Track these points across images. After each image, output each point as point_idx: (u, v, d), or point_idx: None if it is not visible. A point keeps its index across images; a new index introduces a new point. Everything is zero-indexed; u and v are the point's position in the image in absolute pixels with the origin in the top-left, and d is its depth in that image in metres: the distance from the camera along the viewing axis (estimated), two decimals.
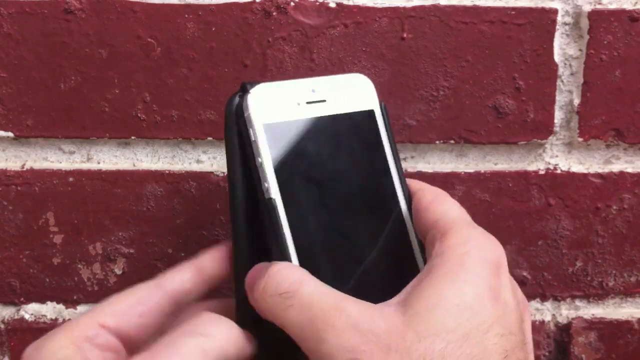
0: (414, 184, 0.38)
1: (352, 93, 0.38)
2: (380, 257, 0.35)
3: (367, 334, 0.29)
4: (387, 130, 0.38)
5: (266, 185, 0.34)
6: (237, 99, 0.35)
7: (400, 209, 0.37)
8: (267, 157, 0.34)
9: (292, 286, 0.31)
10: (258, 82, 0.35)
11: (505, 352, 0.30)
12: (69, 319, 0.33)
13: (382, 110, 0.38)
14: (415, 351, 0.28)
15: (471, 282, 0.31)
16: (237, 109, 0.35)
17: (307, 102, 0.36)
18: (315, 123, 0.36)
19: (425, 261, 0.35)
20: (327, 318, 0.30)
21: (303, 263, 0.33)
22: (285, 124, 0.35)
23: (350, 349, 0.29)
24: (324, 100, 0.36)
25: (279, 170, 0.34)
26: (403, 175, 0.38)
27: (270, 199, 0.34)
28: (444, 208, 0.35)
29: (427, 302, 0.30)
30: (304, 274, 0.32)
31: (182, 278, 0.36)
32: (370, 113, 0.38)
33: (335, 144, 0.36)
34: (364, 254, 0.35)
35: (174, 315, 0.35)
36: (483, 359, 0.29)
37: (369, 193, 0.37)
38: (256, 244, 0.36)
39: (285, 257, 0.33)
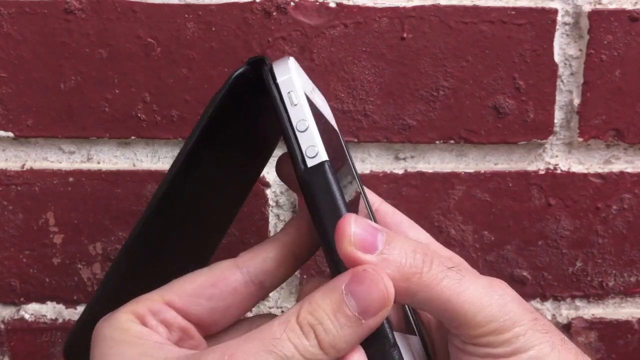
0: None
1: (324, 102, 0.37)
2: None
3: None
4: (344, 142, 0.37)
5: (316, 150, 0.30)
6: (264, 67, 0.32)
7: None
8: (313, 121, 0.31)
9: (453, 259, 0.30)
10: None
11: None
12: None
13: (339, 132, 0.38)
14: None
15: None
16: (272, 74, 0.32)
17: (311, 92, 0.34)
18: (320, 114, 0.34)
19: None
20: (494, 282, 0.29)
21: None
22: (310, 102, 0.33)
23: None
24: (318, 99, 0.35)
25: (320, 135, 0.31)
26: (360, 179, 0.37)
27: (325, 161, 0.30)
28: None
29: None
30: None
31: (263, 256, 0.32)
32: (334, 129, 0.37)
33: (331, 139, 0.34)
34: None
35: (257, 297, 0.33)
36: None
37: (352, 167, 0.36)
38: None
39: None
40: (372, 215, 0.36)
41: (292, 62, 0.32)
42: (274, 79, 0.32)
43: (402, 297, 0.28)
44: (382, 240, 0.28)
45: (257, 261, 0.32)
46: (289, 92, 0.31)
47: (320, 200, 0.30)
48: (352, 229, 0.27)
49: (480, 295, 0.28)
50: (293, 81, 0.31)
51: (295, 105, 0.31)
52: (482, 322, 0.28)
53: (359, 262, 0.27)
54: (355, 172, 0.37)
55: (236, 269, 0.32)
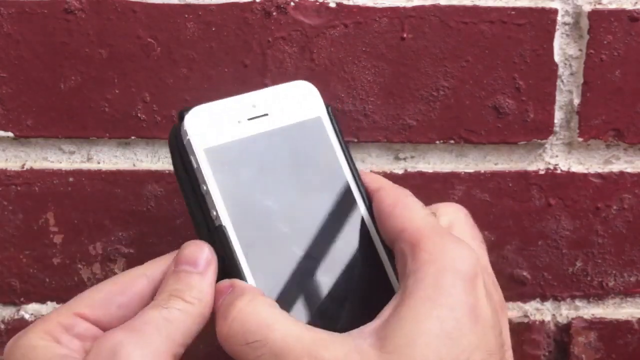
0: (372, 182, 0.36)
1: (295, 102, 0.36)
2: (347, 275, 0.34)
3: None
4: (337, 134, 0.36)
5: (214, 212, 0.32)
6: (179, 125, 0.34)
7: (362, 219, 0.35)
8: (213, 184, 0.32)
9: (259, 332, 0.29)
10: (193, 106, 0.34)
11: None
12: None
13: (329, 115, 0.37)
14: None
15: (450, 305, 0.29)
16: (177, 137, 0.34)
17: (249, 119, 0.35)
18: (260, 140, 0.34)
19: (395, 273, 0.33)
20: None
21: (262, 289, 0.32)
22: (227, 146, 0.33)
23: None
24: (265, 114, 0.35)
25: (227, 195, 0.32)
26: (360, 179, 0.36)
27: (220, 225, 0.32)
28: (408, 214, 0.33)
29: (406, 335, 0.28)
30: (270, 313, 0.30)
31: (166, 262, 0.34)
32: (317, 120, 0.36)
33: (284, 158, 0.35)
34: (329, 273, 0.34)
35: None
36: None
37: (327, 205, 0.35)
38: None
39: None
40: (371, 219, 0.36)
41: (190, 118, 0.33)
42: (181, 140, 0.33)
43: None
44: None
45: (160, 265, 0.34)
46: (189, 156, 0.33)
47: (221, 253, 0.32)
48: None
49: None
50: (190, 144, 0.33)
51: (196, 168, 0.33)
52: None
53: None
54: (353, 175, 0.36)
55: (142, 276, 0.33)
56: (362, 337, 0.29)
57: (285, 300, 0.32)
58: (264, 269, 0.32)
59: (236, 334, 0.29)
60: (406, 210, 0.33)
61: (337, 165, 0.36)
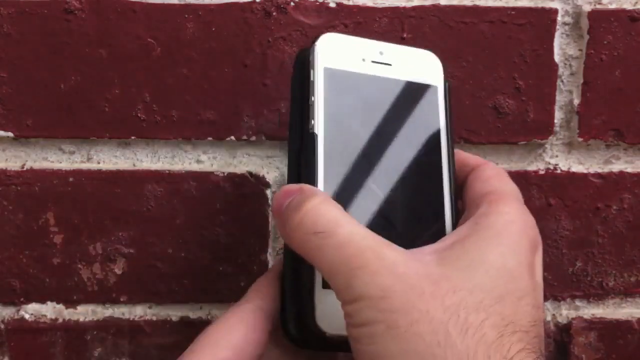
0: (475, 159, 0.38)
1: (419, 65, 0.38)
2: (410, 210, 0.36)
3: (402, 276, 0.29)
4: (446, 109, 0.38)
5: (313, 122, 0.34)
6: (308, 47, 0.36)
7: (441, 178, 0.37)
8: (320, 98, 0.35)
9: (328, 225, 0.30)
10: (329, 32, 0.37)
11: (535, 321, 0.30)
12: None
13: (445, 89, 0.38)
14: (449, 299, 0.28)
15: (515, 250, 0.31)
16: (305, 53, 0.36)
17: (372, 61, 0.37)
18: (375, 82, 0.37)
19: (454, 227, 0.35)
20: (362, 259, 0.29)
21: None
22: (345, 74, 0.36)
23: (383, 287, 0.28)
24: (389, 64, 0.37)
25: (328, 113, 0.35)
26: (453, 154, 0.38)
27: (313, 133, 0.34)
28: (502, 183, 0.35)
29: (468, 260, 0.30)
30: (340, 213, 0.31)
31: (270, 292, 0.35)
32: (433, 89, 0.38)
33: (390, 106, 0.37)
34: (394, 209, 0.35)
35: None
36: (514, 321, 0.29)
37: (411, 156, 0.37)
38: None
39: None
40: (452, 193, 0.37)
41: (322, 40, 0.36)
42: (308, 57, 0.36)
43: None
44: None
45: (268, 299, 0.34)
46: (310, 70, 0.35)
47: (306, 164, 0.34)
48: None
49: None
50: (313, 60, 0.35)
51: (312, 81, 0.35)
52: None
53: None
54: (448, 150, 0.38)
55: (259, 311, 0.34)
56: (423, 252, 0.31)
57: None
58: (336, 185, 0.34)
59: (305, 224, 0.31)
60: (502, 182, 0.35)
61: (436, 134, 0.37)
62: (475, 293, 0.29)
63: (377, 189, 0.35)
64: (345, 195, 0.34)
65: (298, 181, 0.34)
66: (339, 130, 0.35)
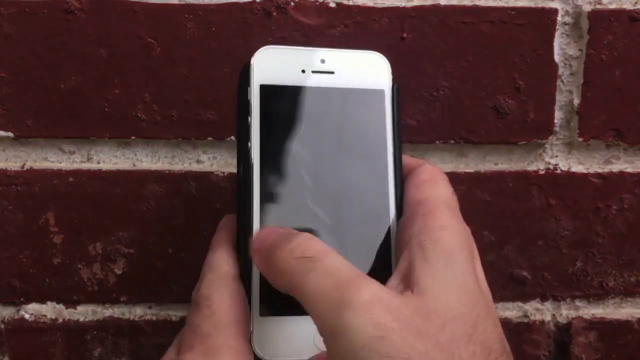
0: (414, 161, 0.37)
1: (364, 70, 0.37)
2: (355, 229, 0.35)
3: (397, 312, 0.28)
4: (393, 113, 0.36)
5: (249, 145, 0.34)
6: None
7: (387, 191, 0.36)
8: (256, 118, 0.34)
9: (318, 253, 0.30)
10: (271, 45, 0.36)
11: (501, 339, 0.30)
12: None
13: (393, 93, 0.37)
14: (443, 336, 0.27)
15: (466, 267, 0.31)
16: (244, 68, 0.35)
17: (313, 71, 0.36)
18: (316, 93, 0.35)
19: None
20: (352, 287, 0.28)
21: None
22: (283, 89, 0.35)
23: (379, 325, 0.27)
24: (331, 72, 0.36)
25: (265, 134, 0.34)
26: (400, 162, 0.36)
27: (250, 162, 0.34)
28: (436, 189, 0.34)
29: (438, 286, 0.29)
30: (329, 247, 0.31)
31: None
32: (379, 94, 0.36)
33: (332, 118, 0.35)
34: (340, 227, 0.35)
35: None
36: (490, 346, 0.29)
37: (356, 171, 0.35)
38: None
39: (248, 224, 0.33)
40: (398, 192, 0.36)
41: (259, 55, 0.35)
42: (246, 70, 0.35)
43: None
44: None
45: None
46: (247, 88, 0.35)
47: (239, 192, 0.34)
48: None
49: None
50: (250, 78, 0.35)
51: (249, 100, 0.34)
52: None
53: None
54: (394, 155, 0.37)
55: (237, 279, 0.34)
56: (391, 285, 0.31)
57: None
58: (275, 215, 0.34)
59: (296, 250, 0.30)
60: (435, 187, 0.34)
61: (382, 141, 0.36)
62: (458, 324, 0.28)
63: (321, 212, 0.34)
64: (286, 223, 0.34)
65: (240, 210, 0.34)
66: (277, 152, 0.34)
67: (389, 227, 0.35)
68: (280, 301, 0.33)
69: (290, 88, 0.35)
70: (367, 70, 0.37)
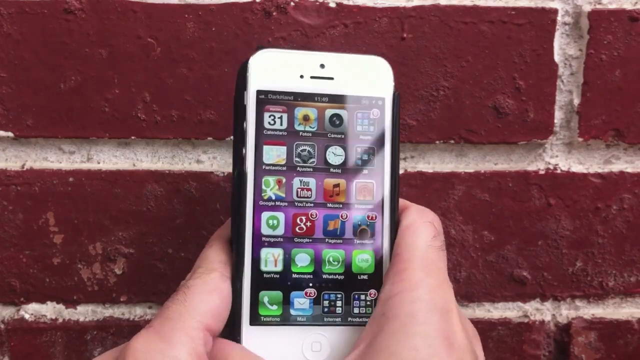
0: (401, 203, 0.36)
1: (365, 76, 0.35)
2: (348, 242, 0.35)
3: None
4: (393, 122, 0.35)
5: (244, 151, 0.33)
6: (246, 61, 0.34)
7: (381, 212, 0.35)
8: (252, 123, 0.33)
9: None
10: (270, 46, 0.35)
11: None
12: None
13: (393, 101, 0.35)
14: None
15: (425, 334, 0.30)
16: (241, 70, 0.34)
17: (312, 77, 0.35)
18: (315, 100, 0.35)
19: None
20: None
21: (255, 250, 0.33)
22: (280, 94, 0.34)
23: None
24: (331, 78, 0.35)
25: (260, 141, 0.33)
26: (397, 174, 0.36)
27: (244, 170, 0.33)
28: (412, 239, 0.34)
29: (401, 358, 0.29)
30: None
31: (227, 259, 0.35)
32: (380, 101, 0.35)
33: (328, 127, 0.35)
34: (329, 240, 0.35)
35: None
36: None
37: (352, 182, 0.35)
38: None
39: (242, 230, 0.33)
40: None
41: (256, 57, 0.34)
42: (242, 73, 0.34)
43: None
44: None
45: (228, 266, 0.34)
46: (243, 92, 0.34)
47: (233, 203, 0.33)
48: None
49: None
50: (247, 81, 0.34)
51: (245, 105, 0.34)
52: None
53: None
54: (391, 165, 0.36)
55: (226, 279, 0.34)
56: None
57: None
58: (266, 221, 0.34)
59: None
60: (414, 235, 0.34)
61: (381, 152, 0.35)
62: None
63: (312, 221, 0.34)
64: (279, 229, 0.34)
65: (234, 217, 0.34)
66: (270, 159, 0.34)
67: (382, 237, 0.35)
68: (270, 311, 0.33)
69: (287, 94, 0.34)
70: (368, 77, 0.35)
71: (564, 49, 0.46)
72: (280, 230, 0.34)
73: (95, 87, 0.44)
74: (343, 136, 0.35)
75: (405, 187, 0.47)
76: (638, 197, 0.48)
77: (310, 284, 0.34)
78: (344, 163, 0.35)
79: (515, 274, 0.48)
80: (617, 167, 0.48)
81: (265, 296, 0.33)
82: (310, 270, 0.34)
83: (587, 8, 0.45)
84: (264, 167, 0.34)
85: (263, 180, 0.34)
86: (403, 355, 0.29)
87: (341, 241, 0.34)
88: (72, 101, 0.45)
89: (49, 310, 0.48)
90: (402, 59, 0.45)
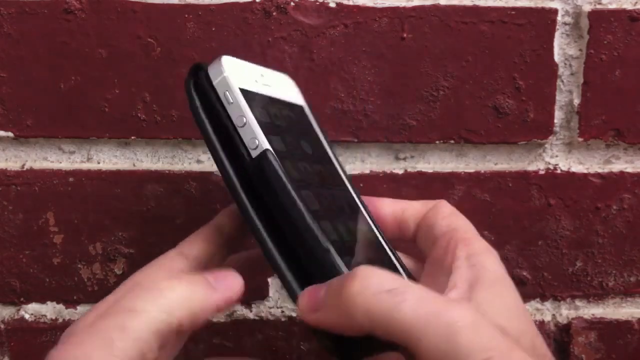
0: (402, 203, 0.39)
1: (286, 87, 0.40)
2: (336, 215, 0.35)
3: (493, 332, 0.27)
4: (318, 125, 0.40)
5: (256, 141, 0.32)
6: (201, 73, 0.34)
7: (352, 195, 0.38)
8: (251, 115, 0.33)
9: (395, 282, 0.28)
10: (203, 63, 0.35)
11: (551, 355, 0.32)
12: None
13: (309, 108, 0.40)
14: (521, 351, 0.27)
15: (514, 291, 0.33)
16: (206, 78, 0.34)
17: (263, 83, 0.37)
18: (271, 101, 0.36)
19: (393, 251, 0.37)
20: (451, 310, 0.27)
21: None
22: (252, 94, 0.35)
23: (486, 347, 0.26)
24: (269, 85, 0.37)
25: (266, 131, 0.33)
26: (344, 169, 0.39)
27: (266, 150, 0.32)
28: (461, 221, 0.36)
29: (500, 307, 0.31)
30: (394, 274, 0.30)
31: (203, 242, 0.35)
32: (302, 108, 0.40)
33: (294, 122, 0.38)
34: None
35: None
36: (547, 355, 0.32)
37: (328, 175, 0.37)
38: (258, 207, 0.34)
39: (300, 214, 0.31)
40: (367, 214, 0.38)
41: (225, 60, 0.34)
42: (210, 82, 0.34)
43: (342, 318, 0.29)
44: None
45: (196, 248, 0.35)
46: (224, 92, 0.33)
47: (270, 187, 0.32)
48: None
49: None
50: (227, 81, 0.33)
51: (232, 103, 0.33)
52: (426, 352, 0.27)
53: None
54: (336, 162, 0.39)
55: (182, 257, 0.34)
56: (460, 298, 0.32)
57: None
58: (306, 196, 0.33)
59: (371, 285, 0.28)
60: (460, 219, 0.37)
61: (323, 146, 0.39)
62: (522, 341, 0.30)
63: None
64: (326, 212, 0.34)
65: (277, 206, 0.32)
66: (282, 146, 0.34)
67: (367, 221, 0.37)
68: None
69: (255, 94, 0.35)
70: (288, 88, 0.40)
71: (564, 49, 0.46)
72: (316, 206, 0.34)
73: (95, 87, 0.44)
74: (294, 132, 0.37)
75: (405, 187, 0.47)
76: (638, 197, 0.48)
77: None
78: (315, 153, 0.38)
79: (515, 274, 0.48)
80: (617, 167, 0.48)
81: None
82: None
83: (587, 8, 0.45)
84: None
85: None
86: (515, 301, 0.32)
87: None
88: (72, 101, 0.45)
89: (49, 311, 0.48)
90: (402, 59, 0.45)
